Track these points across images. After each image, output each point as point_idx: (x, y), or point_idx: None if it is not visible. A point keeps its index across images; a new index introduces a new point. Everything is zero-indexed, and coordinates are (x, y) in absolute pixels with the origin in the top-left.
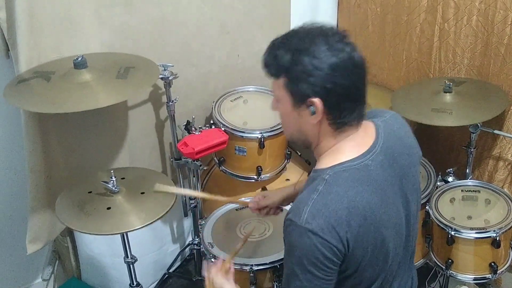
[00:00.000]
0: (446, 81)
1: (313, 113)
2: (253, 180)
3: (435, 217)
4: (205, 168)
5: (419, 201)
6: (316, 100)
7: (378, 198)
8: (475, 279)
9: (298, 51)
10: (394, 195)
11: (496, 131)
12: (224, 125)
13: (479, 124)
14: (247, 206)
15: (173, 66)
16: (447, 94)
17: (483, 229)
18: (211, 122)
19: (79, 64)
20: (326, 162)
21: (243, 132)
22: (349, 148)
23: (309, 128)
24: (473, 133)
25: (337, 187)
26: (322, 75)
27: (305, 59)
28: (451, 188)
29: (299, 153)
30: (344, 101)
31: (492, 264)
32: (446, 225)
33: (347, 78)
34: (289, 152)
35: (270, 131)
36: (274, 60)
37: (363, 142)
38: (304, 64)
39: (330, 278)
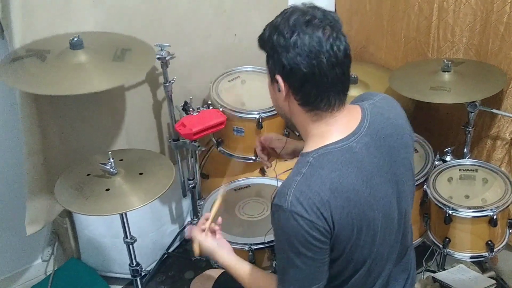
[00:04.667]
0: (445, 60)
1: (279, 90)
2: (251, 161)
3: (433, 196)
4: (203, 149)
5: (414, 183)
6: (279, 78)
7: (363, 180)
8: (471, 257)
9: (274, 28)
10: (382, 177)
11: (494, 110)
12: (221, 105)
13: (477, 103)
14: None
15: (169, 46)
16: (446, 73)
17: (480, 208)
18: (209, 102)
19: (75, 44)
20: (310, 145)
21: (241, 112)
22: (333, 131)
23: (281, 104)
24: (471, 112)
25: (320, 169)
26: (283, 54)
27: (275, 36)
28: (449, 167)
29: (298, 133)
30: (305, 83)
31: (489, 242)
32: (443, 204)
33: (306, 60)
34: (287, 133)
35: (268, 112)
36: (261, 34)
37: (347, 125)
38: (272, 41)
39: (324, 257)
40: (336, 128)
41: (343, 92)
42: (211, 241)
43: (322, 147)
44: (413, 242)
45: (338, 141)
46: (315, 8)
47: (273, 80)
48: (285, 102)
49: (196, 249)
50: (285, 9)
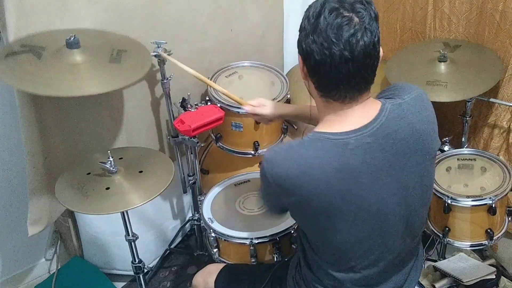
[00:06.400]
0: (441, 50)
1: (301, 69)
2: (251, 155)
3: None
4: (202, 145)
5: (426, 189)
6: (299, 58)
7: (344, 176)
8: (471, 245)
9: (307, 10)
10: (378, 178)
11: (491, 99)
12: (220, 101)
13: None
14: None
15: (166, 43)
16: (442, 63)
17: (479, 196)
18: (207, 98)
19: (72, 44)
20: (317, 128)
21: (239, 108)
22: (339, 123)
23: (304, 81)
24: (468, 102)
25: (306, 151)
26: (304, 37)
27: (305, 17)
28: (447, 157)
29: (296, 127)
30: (317, 69)
31: (488, 230)
32: (442, 194)
33: (319, 48)
34: (285, 127)
35: None
36: None
37: (356, 121)
38: (302, 20)
39: (278, 206)
40: (343, 121)
41: (358, 89)
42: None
43: (321, 133)
44: None
45: (337, 133)
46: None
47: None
48: (305, 80)
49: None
50: None
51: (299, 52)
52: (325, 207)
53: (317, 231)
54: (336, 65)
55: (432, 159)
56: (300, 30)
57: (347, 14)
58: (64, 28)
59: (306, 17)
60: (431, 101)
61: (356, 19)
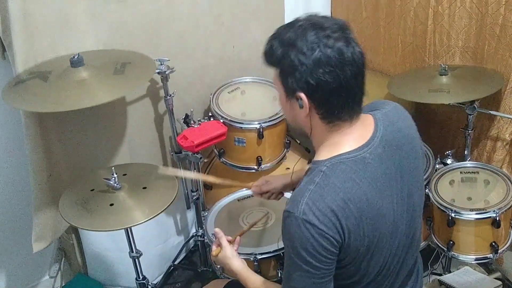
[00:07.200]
0: (442, 64)
1: (301, 106)
2: (254, 170)
3: (435, 200)
4: (205, 160)
5: (423, 194)
6: (302, 95)
7: (375, 191)
8: (476, 259)
9: (288, 45)
10: (393, 189)
11: (493, 112)
12: (222, 117)
13: (476, 106)
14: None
15: (169, 60)
16: (443, 76)
17: (483, 209)
18: (210, 114)
19: (76, 62)
20: (323, 154)
21: (242, 123)
22: (347, 141)
23: (301, 120)
24: (470, 114)
25: (334, 179)
26: (306, 71)
27: (292, 54)
28: (450, 170)
29: (299, 142)
30: (330, 97)
31: (493, 244)
32: (446, 207)
33: (333, 74)
34: (288, 141)
35: (269, 121)
36: (270, 51)
37: (361, 135)
38: (291, 59)
39: (329, 268)
40: (350, 138)
41: (361, 101)
42: (232, 249)
43: (335, 157)
44: None
45: (352, 151)
46: (325, 18)
47: (291, 97)
48: (306, 117)
49: (215, 251)
50: (293, 23)
51: (298, 89)
52: (371, 232)
53: (350, 269)
54: (349, 82)
55: (422, 163)
56: (293, 68)
57: (338, 36)
58: (69, 53)
59: (297, 52)
60: (434, 107)
61: (343, 38)
